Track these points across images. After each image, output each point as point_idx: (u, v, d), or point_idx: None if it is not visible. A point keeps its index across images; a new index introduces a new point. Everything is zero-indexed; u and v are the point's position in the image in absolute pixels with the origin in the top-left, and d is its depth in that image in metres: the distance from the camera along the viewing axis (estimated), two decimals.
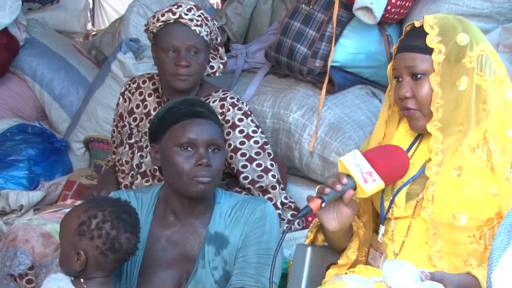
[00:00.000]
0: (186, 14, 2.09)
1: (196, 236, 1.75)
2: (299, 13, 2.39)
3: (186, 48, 2.08)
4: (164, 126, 1.74)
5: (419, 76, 1.57)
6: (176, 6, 2.11)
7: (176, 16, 2.09)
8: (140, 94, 2.25)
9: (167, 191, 1.76)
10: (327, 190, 1.48)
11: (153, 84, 2.25)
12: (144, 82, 2.26)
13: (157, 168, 2.01)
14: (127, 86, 2.28)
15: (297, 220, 1.49)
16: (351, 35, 2.35)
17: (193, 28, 2.10)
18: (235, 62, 2.67)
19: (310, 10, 2.37)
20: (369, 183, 1.49)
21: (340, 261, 1.63)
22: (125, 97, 2.27)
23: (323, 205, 1.48)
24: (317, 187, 1.52)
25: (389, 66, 1.65)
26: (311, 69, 2.35)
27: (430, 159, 1.57)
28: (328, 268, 1.70)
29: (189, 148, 1.70)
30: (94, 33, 4.32)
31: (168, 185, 1.76)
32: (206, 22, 2.14)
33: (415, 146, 1.63)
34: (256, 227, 1.74)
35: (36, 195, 2.68)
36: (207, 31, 2.13)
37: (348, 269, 1.63)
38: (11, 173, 2.78)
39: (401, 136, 1.66)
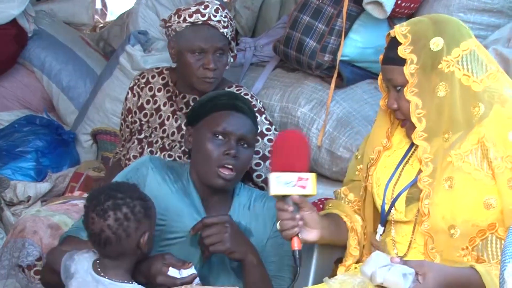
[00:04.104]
0: (215, 16, 2.08)
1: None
2: (309, 7, 2.38)
3: (213, 50, 2.08)
4: (204, 112, 1.77)
5: (398, 88, 1.55)
6: (203, 6, 2.09)
7: (205, 18, 2.08)
8: (150, 89, 2.24)
9: (192, 174, 1.79)
10: (289, 224, 1.52)
11: (163, 78, 2.25)
12: (153, 77, 2.25)
13: (186, 151, 2.01)
14: (136, 81, 2.27)
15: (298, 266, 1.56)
16: (360, 30, 2.34)
17: (221, 30, 2.09)
18: (243, 55, 2.66)
19: (319, 4, 2.36)
20: (307, 186, 1.52)
21: (346, 262, 1.63)
22: (134, 92, 2.26)
23: (300, 235, 1.53)
24: (281, 230, 1.54)
25: (380, 76, 1.63)
26: (319, 63, 2.34)
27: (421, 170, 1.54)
28: (336, 262, 1.70)
29: (221, 137, 1.73)
30: (102, 25, 4.32)
31: (193, 169, 1.78)
32: (230, 21, 2.14)
33: (414, 147, 1.61)
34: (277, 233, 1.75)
35: (43, 187, 2.70)
36: (231, 31, 2.14)
37: (356, 263, 1.63)
38: (19, 164, 2.80)
39: (398, 140, 1.65)
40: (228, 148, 1.71)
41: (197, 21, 2.08)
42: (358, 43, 2.34)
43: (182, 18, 2.10)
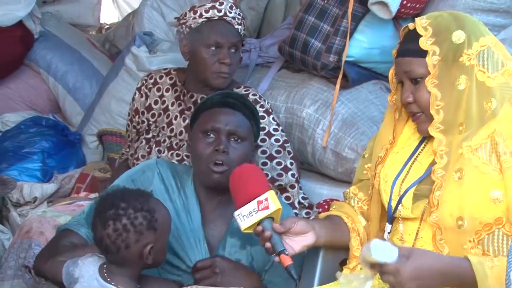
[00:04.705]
0: (230, 12, 2.13)
1: (216, 224, 1.76)
2: (314, 7, 2.38)
3: (229, 45, 2.12)
4: (197, 113, 1.80)
5: (417, 80, 1.55)
6: (218, 3, 2.14)
7: (221, 14, 2.12)
8: (158, 90, 2.25)
9: (195, 176, 1.80)
10: (269, 244, 1.53)
11: (170, 79, 2.26)
12: (161, 77, 2.27)
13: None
14: (144, 82, 2.29)
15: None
16: (366, 30, 2.33)
17: (235, 26, 2.14)
18: (248, 56, 2.67)
19: (325, 5, 2.36)
20: (269, 204, 1.54)
21: (350, 264, 1.63)
22: (142, 92, 2.28)
23: (286, 252, 1.54)
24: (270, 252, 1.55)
25: (391, 71, 1.63)
26: (325, 64, 2.34)
27: (435, 162, 1.55)
28: (341, 263, 1.70)
29: (211, 135, 1.74)
30: (107, 26, 4.34)
31: (194, 172, 1.80)
32: (243, 20, 2.19)
33: (423, 144, 1.61)
34: None
35: (49, 188, 2.71)
36: (243, 29, 2.19)
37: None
38: (25, 165, 2.81)
39: (407, 137, 1.65)
40: (216, 145, 1.72)
41: (214, 17, 2.12)
42: (364, 44, 2.34)
43: (198, 14, 2.13)
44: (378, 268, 1.41)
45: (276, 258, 1.55)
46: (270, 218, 1.55)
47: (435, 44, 1.52)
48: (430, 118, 1.55)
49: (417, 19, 1.57)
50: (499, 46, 1.58)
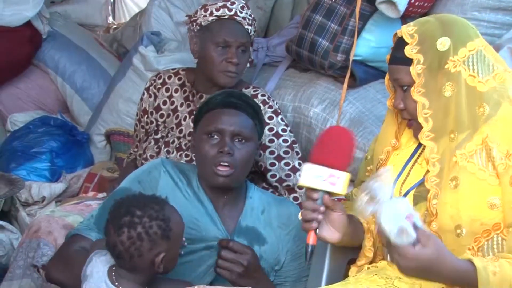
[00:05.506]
0: (241, 12, 2.14)
1: (223, 224, 1.76)
2: (321, 7, 2.37)
3: (237, 45, 2.12)
4: (200, 114, 1.79)
5: (405, 88, 1.54)
6: (230, 3, 2.15)
7: (232, 13, 2.13)
8: (167, 90, 2.26)
9: (200, 176, 1.79)
10: (309, 215, 1.49)
11: (179, 79, 2.27)
12: (169, 77, 2.27)
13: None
14: (152, 82, 2.29)
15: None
16: (373, 29, 2.33)
17: (245, 26, 2.15)
18: (256, 55, 2.67)
19: (332, 4, 2.36)
20: (337, 184, 1.48)
21: (359, 262, 1.63)
22: (150, 92, 2.28)
23: (317, 231, 1.50)
24: (300, 217, 1.51)
25: (386, 76, 1.62)
26: (332, 63, 2.33)
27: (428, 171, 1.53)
28: (349, 262, 1.70)
29: (215, 136, 1.74)
30: (115, 26, 4.35)
31: (199, 173, 1.79)
32: (254, 21, 2.19)
33: (421, 147, 1.60)
34: (297, 240, 1.77)
35: (58, 187, 2.72)
36: (254, 30, 2.19)
37: (370, 263, 1.62)
38: (33, 165, 2.82)
39: (407, 139, 1.64)
40: (221, 146, 1.71)
41: (224, 15, 2.13)
42: (372, 43, 2.34)
43: (208, 12, 2.14)
44: (387, 238, 1.40)
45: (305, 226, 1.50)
46: (327, 193, 1.49)
47: (420, 52, 1.51)
48: (421, 126, 1.54)
49: (403, 26, 1.56)
50: (489, 48, 1.56)
